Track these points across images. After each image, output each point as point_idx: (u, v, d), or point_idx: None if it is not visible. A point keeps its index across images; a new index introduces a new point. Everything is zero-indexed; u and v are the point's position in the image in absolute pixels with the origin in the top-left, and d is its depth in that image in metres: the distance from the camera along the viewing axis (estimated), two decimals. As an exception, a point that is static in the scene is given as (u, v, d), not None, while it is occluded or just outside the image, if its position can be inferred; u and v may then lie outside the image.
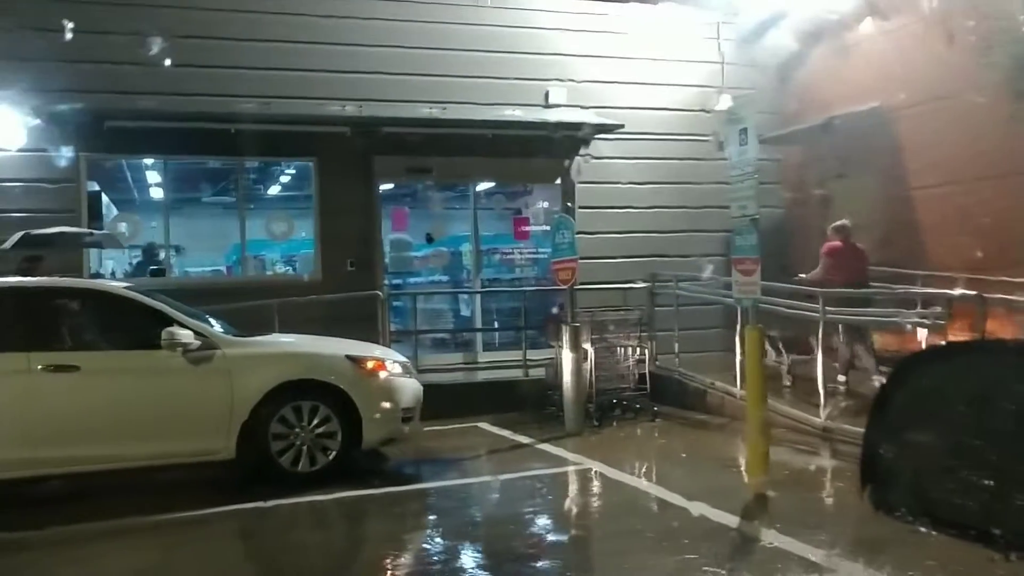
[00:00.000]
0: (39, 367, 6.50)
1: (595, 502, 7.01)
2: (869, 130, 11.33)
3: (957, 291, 8.05)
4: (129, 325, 7.05)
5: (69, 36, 10.09)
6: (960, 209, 10.22)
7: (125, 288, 7.39)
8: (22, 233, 9.03)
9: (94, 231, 10.21)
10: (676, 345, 10.61)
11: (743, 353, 7.54)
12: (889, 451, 1.60)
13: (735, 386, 9.15)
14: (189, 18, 10.83)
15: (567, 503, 6.99)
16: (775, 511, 6.02)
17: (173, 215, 11.88)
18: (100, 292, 7.32)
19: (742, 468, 7.25)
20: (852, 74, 11.80)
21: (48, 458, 6.52)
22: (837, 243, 9.67)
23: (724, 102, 11.49)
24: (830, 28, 12.05)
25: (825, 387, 8.14)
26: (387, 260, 12.40)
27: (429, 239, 13.55)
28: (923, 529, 2.82)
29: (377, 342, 9.54)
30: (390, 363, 7.59)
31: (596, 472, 7.41)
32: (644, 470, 7.78)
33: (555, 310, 11.69)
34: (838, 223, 9.83)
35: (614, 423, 9.56)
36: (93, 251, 11.38)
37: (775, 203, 12.70)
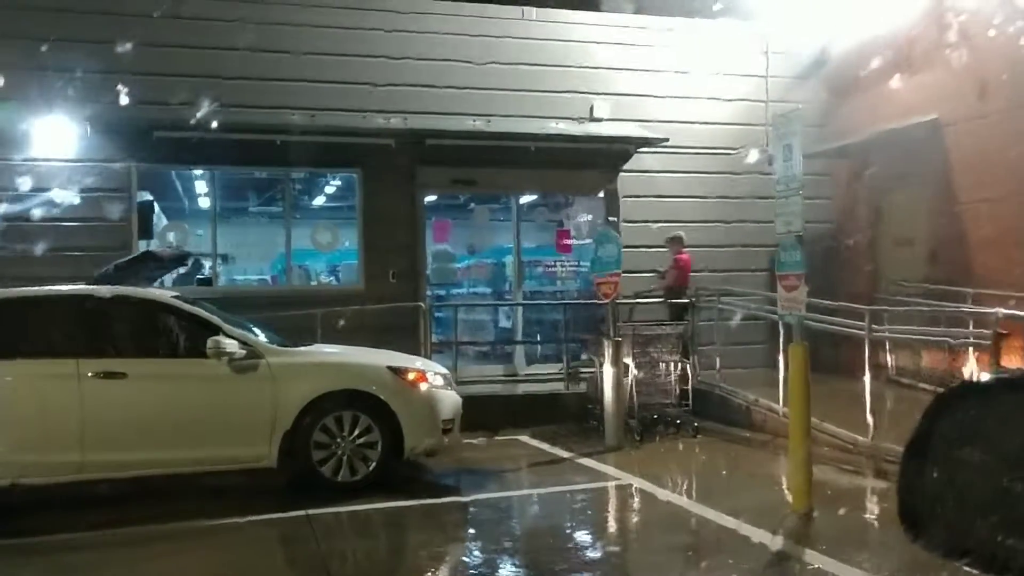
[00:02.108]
0: (88, 373, 6.63)
1: (635, 518, 6.96)
2: (923, 144, 11.14)
3: (1002, 310, 7.88)
4: (176, 333, 7.16)
5: (120, 49, 10.32)
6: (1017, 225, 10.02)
7: (173, 297, 7.51)
8: (144, 252, 9.32)
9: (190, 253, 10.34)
10: (719, 360, 10.52)
11: (787, 369, 7.44)
12: (929, 485, 1.56)
13: (778, 403, 9.03)
14: (238, 32, 11.01)
15: (607, 518, 6.96)
16: (818, 531, 5.93)
17: (220, 224, 12.08)
18: (148, 301, 7.45)
19: (785, 487, 7.15)
20: (904, 87, 11.63)
21: (95, 462, 6.64)
22: (685, 254, 11.00)
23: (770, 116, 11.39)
24: (881, 40, 11.90)
25: (871, 405, 7.99)
26: (429, 271, 12.46)
27: (471, 251, 13.59)
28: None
29: (418, 353, 9.59)
30: (431, 375, 7.62)
31: (636, 488, 7.36)
32: (685, 486, 7.71)
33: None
34: (678, 234, 11.24)
35: (655, 438, 9.48)
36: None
37: (824, 218, 12.53)
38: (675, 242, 11.35)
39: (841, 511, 6.52)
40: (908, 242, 11.92)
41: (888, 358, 9.97)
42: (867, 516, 6.65)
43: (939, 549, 1.68)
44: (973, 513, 1.62)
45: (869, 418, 7.89)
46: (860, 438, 7.92)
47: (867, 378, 7.99)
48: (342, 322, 10.23)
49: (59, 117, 10.36)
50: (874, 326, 8.21)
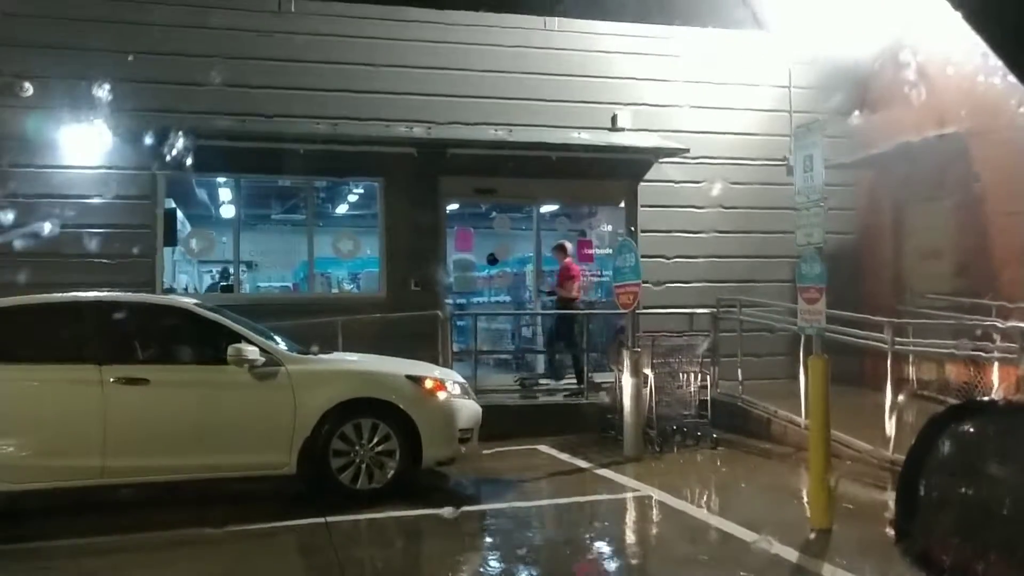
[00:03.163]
0: (111, 379, 6.70)
1: (653, 529, 6.94)
2: (949, 155, 11.04)
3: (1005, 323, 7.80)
4: (198, 340, 7.26)
5: (147, 59, 10.48)
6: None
7: (195, 304, 7.59)
8: None
9: None
10: (739, 372, 10.47)
11: (807, 382, 7.39)
12: (927, 508, 1.54)
13: (799, 415, 8.96)
14: (261, 42, 11.17)
15: (625, 529, 6.94)
16: (838, 546, 5.88)
17: (244, 231, 12.18)
18: (171, 308, 7.55)
19: (805, 500, 7.09)
20: (927, 98, 11.53)
21: (116, 467, 6.70)
22: (571, 262, 11.38)
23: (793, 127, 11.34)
24: (904, 51, 11.82)
25: (893, 419, 7.93)
26: (451, 280, 12.48)
27: (492, 260, 13.62)
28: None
29: (438, 361, 9.61)
30: (450, 384, 7.64)
31: (655, 499, 7.33)
32: (704, 498, 7.68)
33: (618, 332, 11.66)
34: (560, 243, 11.66)
35: (674, 449, 9.44)
36: (168, 266, 11.69)
37: (847, 229, 12.44)
38: (559, 251, 11.76)
39: (861, 526, 6.46)
40: (933, 255, 11.81)
41: (911, 371, 9.89)
42: (888, 531, 6.58)
43: (910, 557, 1.67)
44: (973, 539, 1.61)
45: (890, 431, 7.83)
46: (882, 451, 7.85)
47: (889, 391, 7.93)
48: (362, 319, 10.28)
49: (86, 126, 10.49)
50: (897, 339, 8.15)
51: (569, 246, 11.95)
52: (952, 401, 8.40)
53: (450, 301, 12.25)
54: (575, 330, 11.37)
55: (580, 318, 11.29)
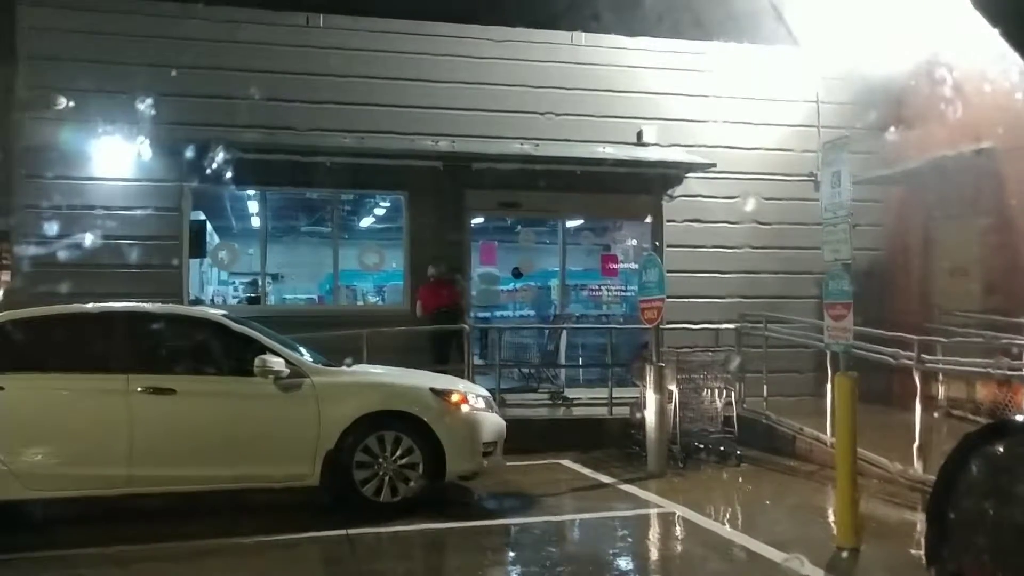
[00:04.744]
0: (138, 389, 6.75)
1: (677, 546, 6.87)
2: (979, 171, 10.92)
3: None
4: (224, 351, 7.29)
5: (177, 73, 10.63)
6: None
7: (222, 315, 7.64)
8: None
9: None
10: (765, 388, 10.38)
11: (834, 399, 7.31)
12: (959, 530, 1.51)
13: (826, 433, 8.87)
14: (290, 56, 11.28)
15: (648, 546, 6.88)
16: (866, 566, 5.81)
17: (270, 244, 12.27)
18: (198, 319, 7.60)
19: (831, 519, 7.00)
20: (959, 114, 11.42)
21: (142, 477, 6.74)
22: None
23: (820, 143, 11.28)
24: (938, 67, 11.72)
25: (921, 438, 7.82)
26: (475, 293, 12.49)
27: (517, 274, 13.62)
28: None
29: (462, 375, 9.61)
30: (473, 397, 7.63)
31: (679, 516, 7.27)
32: (728, 516, 7.60)
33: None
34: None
35: (699, 466, 9.36)
36: (195, 278, 11.80)
37: (876, 246, 12.33)
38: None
39: (890, 546, 6.38)
40: (963, 272, 11.68)
41: (940, 389, 9.76)
42: (915, 552, 6.49)
43: None
44: (985, 551, 1.58)
45: (919, 451, 7.73)
46: (910, 470, 7.75)
47: (917, 409, 7.83)
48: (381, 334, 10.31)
49: (117, 138, 10.64)
50: (925, 356, 8.05)
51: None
52: (983, 421, 8.29)
53: (473, 315, 12.25)
54: None
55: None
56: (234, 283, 15.12)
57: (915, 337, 8.26)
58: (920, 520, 7.10)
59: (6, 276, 10.42)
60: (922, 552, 6.40)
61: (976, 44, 10.89)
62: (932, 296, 12.15)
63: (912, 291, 12.33)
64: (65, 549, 6.14)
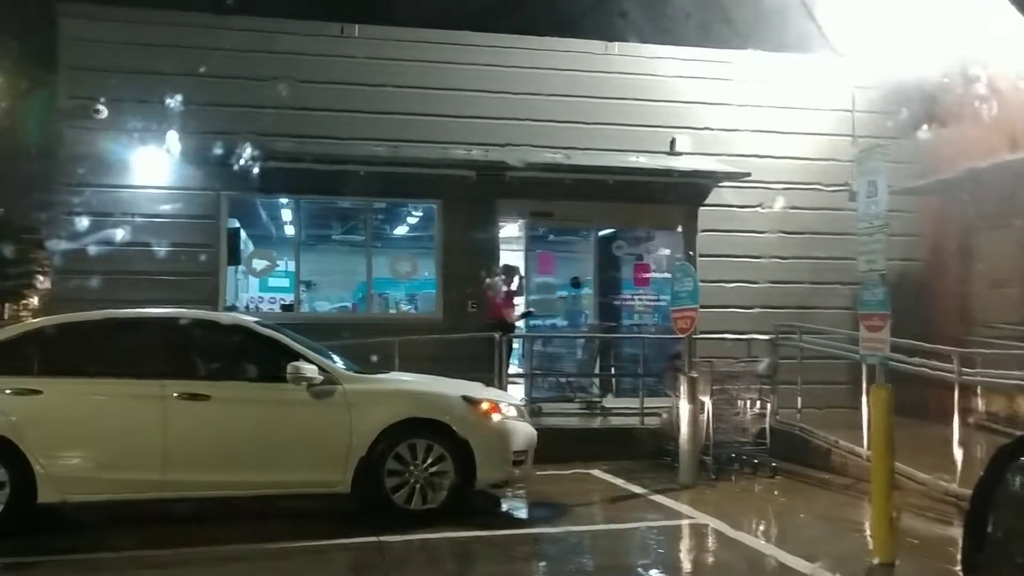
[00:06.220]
0: (173, 394, 6.83)
1: (708, 559, 6.80)
2: (1019, 179, 10.73)
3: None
4: (257, 358, 7.33)
5: (212, 82, 10.78)
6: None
7: (255, 322, 7.71)
8: None
9: None
10: (799, 400, 10.26)
11: (869, 411, 7.21)
12: (996, 544, 1.47)
13: (861, 446, 8.75)
14: (324, 65, 11.40)
15: (679, 558, 6.82)
16: (900, 582, 5.71)
17: (304, 252, 12.37)
18: (233, 325, 7.68)
19: (867, 532, 6.90)
20: (999, 121, 11.24)
21: (176, 481, 6.82)
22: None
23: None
24: (975, 73, 11.55)
25: (960, 451, 7.69)
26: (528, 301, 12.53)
27: (576, 283, 13.63)
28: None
29: (493, 384, 9.61)
30: (504, 406, 7.62)
31: (711, 528, 7.20)
32: (761, 528, 7.52)
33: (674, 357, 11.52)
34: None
35: (731, 477, 9.28)
36: (230, 283, 11.92)
37: (912, 256, 12.15)
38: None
39: (926, 560, 6.27)
40: (1003, 283, 11.48)
41: (979, 403, 9.59)
42: (953, 568, 6.37)
43: None
44: (1018, 561, 1.54)
45: (956, 464, 7.60)
46: (947, 484, 7.61)
47: (956, 423, 7.70)
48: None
49: (153, 147, 10.81)
50: (964, 369, 7.91)
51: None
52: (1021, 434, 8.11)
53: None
54: None
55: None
56: (268, 290, 15.22)
57: (955, 349, 8.13)
58: (957, 535, 6.99)
59: (45, 282, 10.60)
60: (958, 567, 6.30)
61: (1016, 47, 10.76)
62: (971, 308, 11.96)
63: (951, 302, 12.14)
64: (97, 552, 6.21)
